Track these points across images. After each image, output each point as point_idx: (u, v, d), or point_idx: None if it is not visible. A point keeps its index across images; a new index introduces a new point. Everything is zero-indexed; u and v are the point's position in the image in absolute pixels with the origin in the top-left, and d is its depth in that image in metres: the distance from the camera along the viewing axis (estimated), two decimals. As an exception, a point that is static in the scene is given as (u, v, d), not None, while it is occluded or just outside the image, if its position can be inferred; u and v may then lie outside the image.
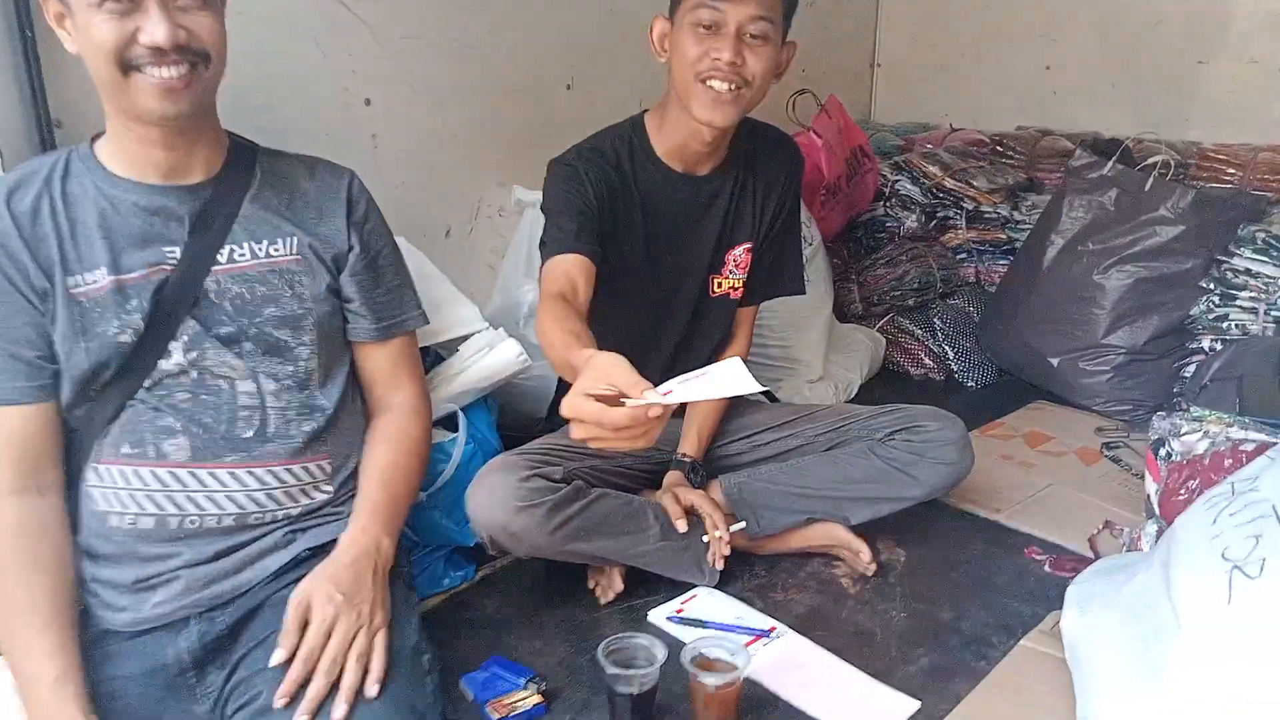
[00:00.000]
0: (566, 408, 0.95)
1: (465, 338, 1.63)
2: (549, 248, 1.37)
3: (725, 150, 1.50)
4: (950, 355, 2.48)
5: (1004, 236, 2.70)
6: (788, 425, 1.62)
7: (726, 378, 0.97)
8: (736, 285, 1.58)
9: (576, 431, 0.95)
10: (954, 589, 1.55)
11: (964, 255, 2.73)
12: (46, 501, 1.13)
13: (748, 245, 1.55)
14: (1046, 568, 1.60)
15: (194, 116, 1.11)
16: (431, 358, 1.61)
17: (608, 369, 0.96)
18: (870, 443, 1.54)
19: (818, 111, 2.59)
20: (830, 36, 3.10)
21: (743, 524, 1.50)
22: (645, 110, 1.51)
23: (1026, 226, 2.62)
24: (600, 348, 1.56)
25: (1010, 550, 1.67)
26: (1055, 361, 2.26)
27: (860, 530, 1.56)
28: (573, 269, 1.33)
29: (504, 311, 1.96)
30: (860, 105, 3.39)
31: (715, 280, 1.56)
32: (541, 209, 1.43)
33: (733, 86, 1.34)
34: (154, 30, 1.02)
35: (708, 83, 1.34)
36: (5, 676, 1.08)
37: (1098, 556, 1.60)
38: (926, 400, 1.80)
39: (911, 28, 3.31)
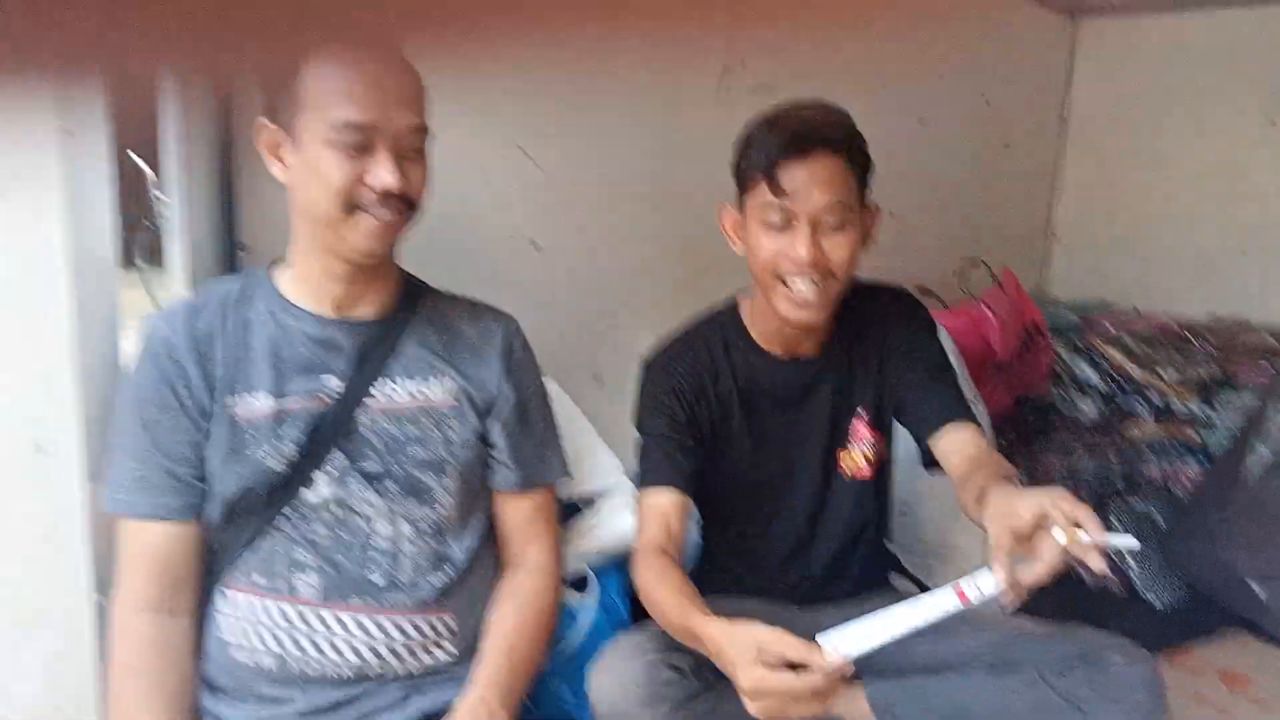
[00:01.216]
0: (748, 680, 0.97)
1: (605, 492, 1.58)
2: (641, 476, 1.34)
3: (828, 324, 1.39)
4: (1131, 564, 2.23)
5: (1195, 436, 2.46)
6: (945, 633, 1.45)
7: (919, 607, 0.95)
8: (861, 463, 1.44)
9: (758, 706, 0.97)
10: None
11: (1148, 452, 2.50)
12: (178, 623, 1.12)
13: (866, 417, 1.43)
14: None
15: (383, 256, 1.13)
16: (568, 509, 1.55)
17: (772, 641, 0.98)
18: (1043, 670, 1.35)
19: (990, 282, 2.47)
20: (1001, 202, 3.00)
21: None
22: (741, 291, 1.43)
23: (1222, 428, 2.39)
24: (715, 544, 1.47)
25: (1206, 818, 1.42)
26: (1260, 590, 1.99)
27: (1025, 768, 1.35)
28: (665, 507, 1.28)
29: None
30: (1033, 276, 3.24)
31: (843, 456, 1.44)
32: (633, 421, 1.39)
33: (815, 282, 1.24)
34: (385, 176, 1.05)
35: (788, 282, 1.25)
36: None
37: (1320, 845, 1.33)
38: (1102, 614, 1.60)
39: (1090, 198, 3.16)
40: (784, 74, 2.18)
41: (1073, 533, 0.98)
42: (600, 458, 1.62)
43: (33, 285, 1.17)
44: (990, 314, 2.37)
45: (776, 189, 1.22)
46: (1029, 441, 2.52)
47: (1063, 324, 2.84)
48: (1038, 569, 1.01)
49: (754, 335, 1.40)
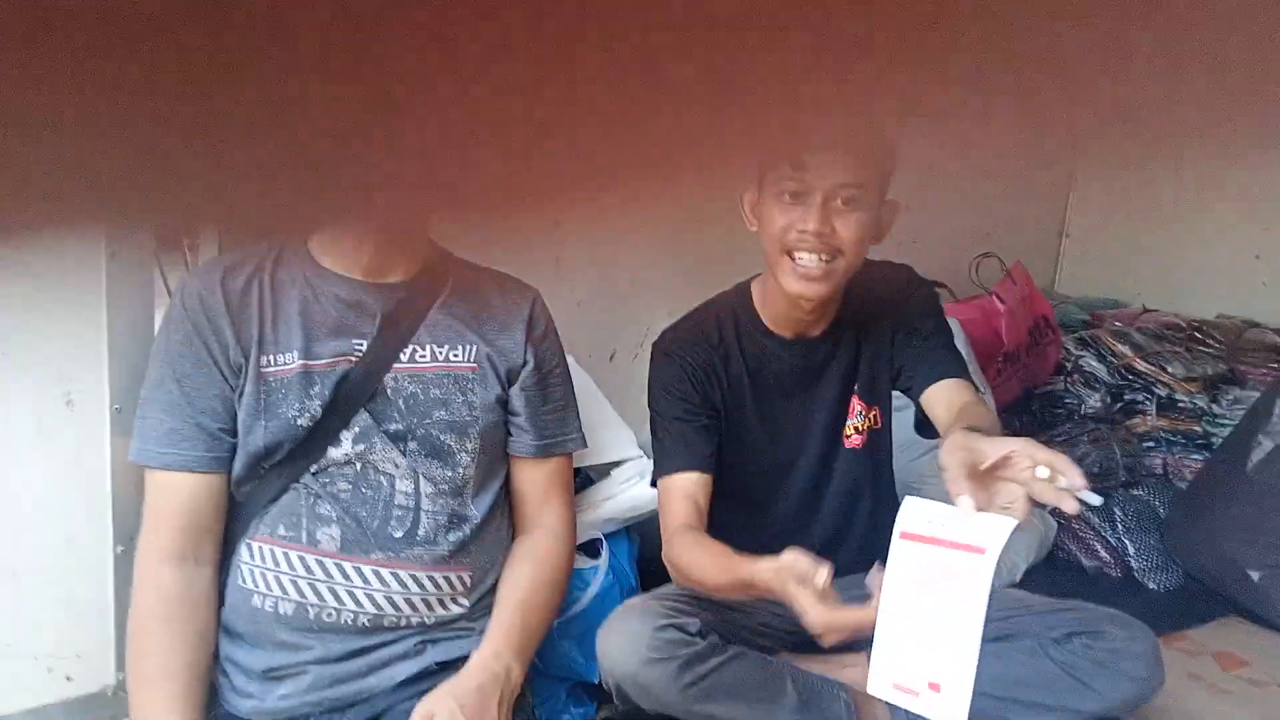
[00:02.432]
0: (821, 624, 1.06)
1: (618, 463, 1.62)
2: (661, 463, 1.37)
3: (836, 307, 1.42)
4: (1130, 550, 2.26)
5: (1199, 429, 2.49)
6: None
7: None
8: (851, 433, 1.47)
9: (829, 639, 1.07)
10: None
11: (1151, 444, 2.53)
12: (202, 573, 1.15)
13: (856, 389, 1.46)
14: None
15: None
16: (581, 479, 1.59)
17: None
18: (1043, 640, 1.39)
19: (1002, 276, 2.50)
20: (1018, 201, 3.04)
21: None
22: (754, 276, 1.46)
23: (1226, 422, 2.41)
24: (721, 518, 1.51)
25: (1201, 793, 1.45)
26: (1256, 576, 2.02)
27: (1023, 738, 1.38)
28: (691, 489, 1.33)
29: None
30: (1045, 274, 3.26)
31: (849, 425, 1.47)
32: (648, 404, 1.42)
33: (822, 258, 1.26)
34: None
35: (795, 255, 1.28)
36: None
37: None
38: (1100, 597, 1.62)
39: (1106, 202, 3.19)
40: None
41: (1055, 475, 1.00)
42: (614, 430, 1.66)
43: (76, 252, 1.21)
44: (1000, 305, 2.40)
45: (796, 163, 1.25)
46: (1035, 432, 2.55)
47: (1071, 320, 2.87)
48: (1013, 512, 1.03)
49: (764, 317, 1.42)
